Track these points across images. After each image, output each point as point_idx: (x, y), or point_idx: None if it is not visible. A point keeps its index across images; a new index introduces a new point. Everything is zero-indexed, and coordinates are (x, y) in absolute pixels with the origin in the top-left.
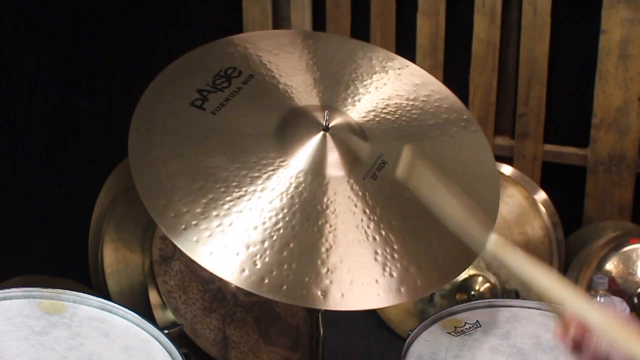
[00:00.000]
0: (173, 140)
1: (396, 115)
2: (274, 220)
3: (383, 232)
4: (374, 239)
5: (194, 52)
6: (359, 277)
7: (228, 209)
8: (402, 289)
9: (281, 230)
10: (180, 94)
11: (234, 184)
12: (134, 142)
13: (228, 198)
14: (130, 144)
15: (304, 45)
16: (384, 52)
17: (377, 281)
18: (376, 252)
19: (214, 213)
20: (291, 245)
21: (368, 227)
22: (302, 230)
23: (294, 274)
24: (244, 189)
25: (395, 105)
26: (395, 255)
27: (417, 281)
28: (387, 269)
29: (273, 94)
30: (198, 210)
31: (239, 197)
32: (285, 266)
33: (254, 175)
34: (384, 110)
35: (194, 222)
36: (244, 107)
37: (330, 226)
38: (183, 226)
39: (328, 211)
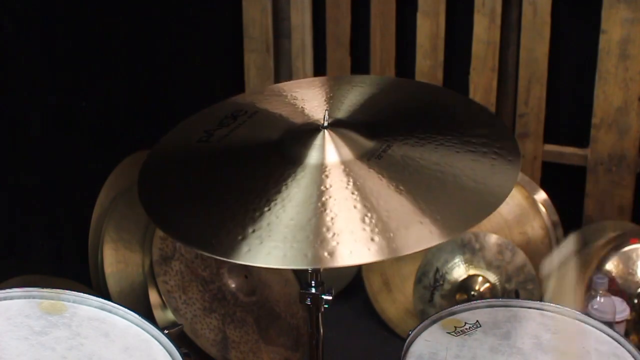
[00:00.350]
0: (176, 171)
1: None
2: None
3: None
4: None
5: (202, 112)
6: (401, 225)
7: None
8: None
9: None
10: (188, 137)
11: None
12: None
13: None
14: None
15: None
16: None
17: (407, 227)
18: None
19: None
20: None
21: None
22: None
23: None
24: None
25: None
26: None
27: (431, 230)
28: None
29: (276, 119)
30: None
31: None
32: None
33: (271, 183)
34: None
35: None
36: (248, 132)
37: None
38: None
39: (353, 189)
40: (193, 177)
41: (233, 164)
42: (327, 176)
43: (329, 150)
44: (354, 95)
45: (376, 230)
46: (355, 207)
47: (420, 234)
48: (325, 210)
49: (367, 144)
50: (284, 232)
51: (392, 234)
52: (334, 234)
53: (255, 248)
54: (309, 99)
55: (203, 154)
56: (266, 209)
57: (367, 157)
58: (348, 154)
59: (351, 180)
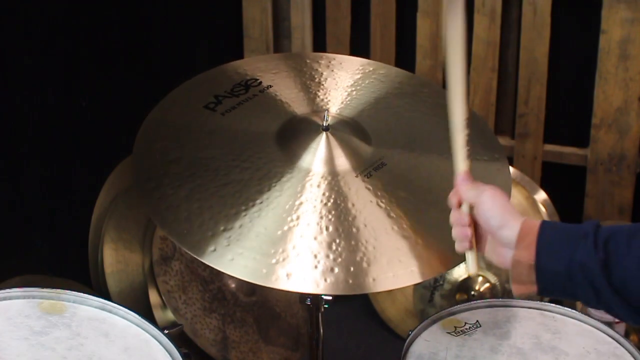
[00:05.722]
0: (175, 136)
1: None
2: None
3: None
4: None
5: (221, 67)
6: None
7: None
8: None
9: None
10: (197, 98)
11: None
12: (139, 144)
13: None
14: (135, 147)
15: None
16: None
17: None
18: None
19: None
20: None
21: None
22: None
23: (350, 266)
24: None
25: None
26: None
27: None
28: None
29: (285, 103)
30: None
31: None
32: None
33: (259, 175)
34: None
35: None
36: (253, 112)
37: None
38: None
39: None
40: (189, 149)
41: (229, 146)
42: (311, 186)
43: (319, 157)
44: (372, 90)
45: (339, 260)
46: (327, 228)
47: (387, 274)
48: (298, 225)
49: (364, 155)
50: (252, 240)
51: (352, 269)
52: (298, 254)
53: (220, 249)
54: (330, 82)
55: (204, 124)
56: (243, 208)
57: (359, 171)
58: (341, 164)
59: (333, 195)
